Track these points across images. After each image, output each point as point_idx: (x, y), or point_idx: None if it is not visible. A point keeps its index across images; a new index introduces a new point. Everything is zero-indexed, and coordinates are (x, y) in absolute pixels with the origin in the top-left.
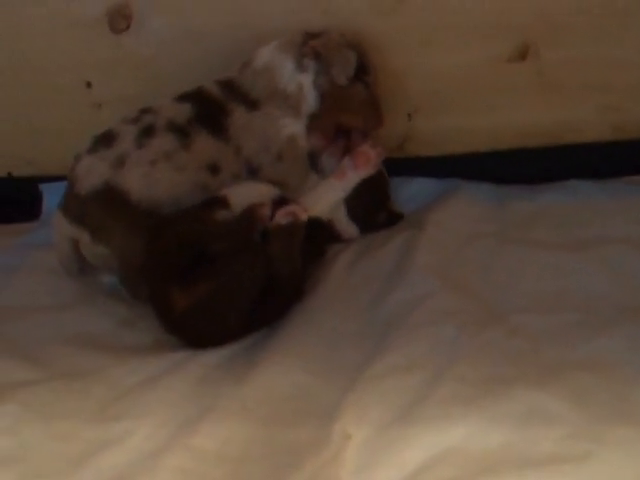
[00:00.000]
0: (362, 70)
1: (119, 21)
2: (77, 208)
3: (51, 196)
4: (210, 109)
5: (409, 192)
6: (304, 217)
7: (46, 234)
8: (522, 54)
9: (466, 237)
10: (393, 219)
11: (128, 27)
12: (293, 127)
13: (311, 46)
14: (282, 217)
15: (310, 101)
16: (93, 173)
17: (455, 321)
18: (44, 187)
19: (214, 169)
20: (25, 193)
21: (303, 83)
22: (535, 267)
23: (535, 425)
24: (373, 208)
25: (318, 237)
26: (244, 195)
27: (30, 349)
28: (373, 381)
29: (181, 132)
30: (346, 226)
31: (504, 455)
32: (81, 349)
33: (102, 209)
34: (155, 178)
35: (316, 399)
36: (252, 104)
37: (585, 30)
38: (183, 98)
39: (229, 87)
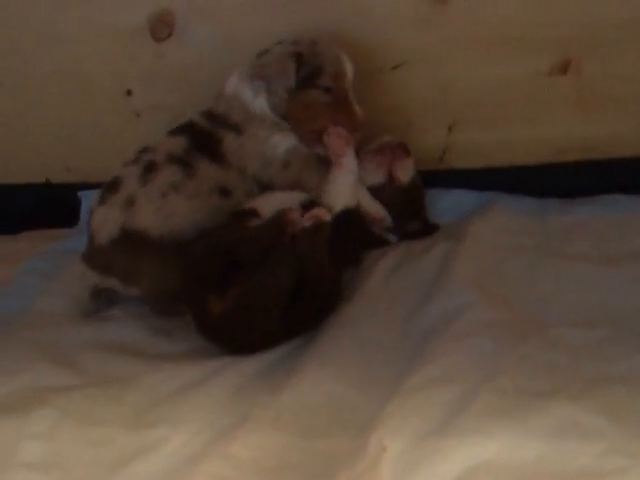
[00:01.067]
0: (315, 75)
1: (161, 29)
2: (102, 259)
3: (88, 203)
4: (203, 139)
5: (447, 203)
6: (327, 218)
7: (83, 241)
8: (563, 68)
9: (504, 249)
10: (428, 229)
11: (170, 35)
12: (286, 142)
13: (254, 67)
14: (306, 220)
15: (277, 118)
16: (108, 222)
17: (493, 334)
18: (83, 194)
19: (225, 192)
20: (62, 199)
21: (262, 106)
22: (574, 281)
23: (571, 439)
24: (406, 216)
25: (354, 229)
26: (273, 203)
27: (67, 355)
28: (410, 393)
29: (182, 163)
30: (374, 207)
31: (540, 469)
32: (117, 356)
33: (126, 254)
34: (169, 210)
35: (352, 410)
36: (237, 129)
37: (627, 46)
38: (175, 132)
39: (211, 117)
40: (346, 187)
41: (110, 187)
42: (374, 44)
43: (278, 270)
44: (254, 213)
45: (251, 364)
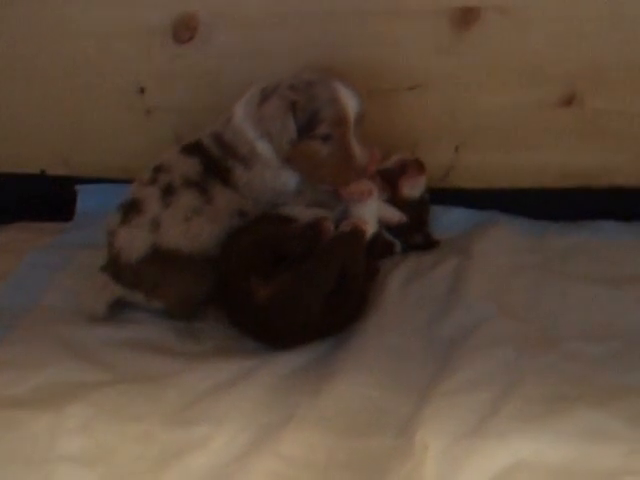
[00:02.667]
0: (313, 122)
1: (183, 32)
2: (130, 275)
3: (85, 197)
4: (215, 165)
5: (449, 220)
6: (364, 227)
7: (83, 235)
8: (568, 100)
9: (511, 267)
10: (429, 244)
11: (191, 38)
12: (295, 176)
13: (256, 117)
14: (345, 226)
15: (274, 167)
16: (136, 241)
17: (514, 344)
18: (80, 188)
19: (243, 214)
20: (57, 192)
21: (266, 150)
22: (579, 299)
23: (598, 442)
24: (411, 230)
25: (373, 250)
26: (306, 213)
27: (91, 351)
28: (444, 397)
29: (199, 187)
30: (389, 211)
31: (571, 468)
32: (147, 354)
33: (157, 270)
34: (195, 232)
35: (390, 413)
36: (245, 162)
37: (629, 84)
38: (189, 152)
39: (221, 144)
40: (370, 218)
41: (131, 208)
42: (394, 65)
43: (323, 265)
44: (290, 218)
45: (283, 365)
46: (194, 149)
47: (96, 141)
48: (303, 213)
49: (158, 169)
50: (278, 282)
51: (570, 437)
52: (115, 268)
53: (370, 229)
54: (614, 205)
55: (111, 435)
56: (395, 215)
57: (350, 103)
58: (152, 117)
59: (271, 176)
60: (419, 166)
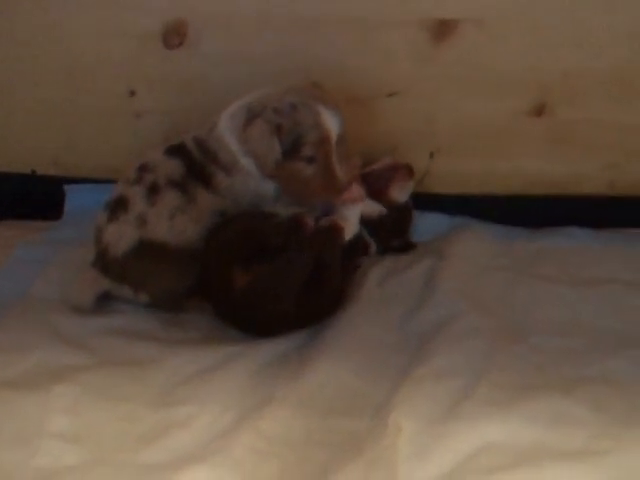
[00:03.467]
0: (297, 145)
1: (173, 37)
2: (118, 269)
3: (73, 197)
4: (197, 168)
5: (424, 224)
6: (343, 224)
7: (71, 232)
8: (539, 110)
9: (482, 269)
10: (407, 247)
11: (181, 44)
12: (275, 186)
13: (242, 138)
14: (324, 222)
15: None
16: (123, 236)
17: (483, 337)
18: (68, 188)
19: (224, 214)
20: (46, 192)
21: (251, 168)
22: (547, 299)
23: (562, 426)
24: (392, 234)
25: (352, 249)
26: (287, 210)
27: (78, 338)
28: (417, 383)
29: (181, 188)
30: (370, 206)
31: (538, 449)
32: (133, 340)
33: (143, 263)
34: (179, 229)
35: (365, 397)
36: (226, 169)
37: (598, 96)
38: (172, 153)
39: (203, 149)
40: (354, 220)
41: (118, 205)
42: (374, 73)
43: (297, 257)
44: (274, 214)
45: (264, 353)
46: (178, 151)
47: (86, 142)
48: (284, 210)
49: (143, 168)
50: (255, 271)
51: (536, 421)
52: (103, 262)
53: (351, 229)
54: (582, 212)
55: (98, 414)
56: (375, 209)
57: (332, 126)
58: (141, 120)
59: (253, 184)
60: (409, 171)
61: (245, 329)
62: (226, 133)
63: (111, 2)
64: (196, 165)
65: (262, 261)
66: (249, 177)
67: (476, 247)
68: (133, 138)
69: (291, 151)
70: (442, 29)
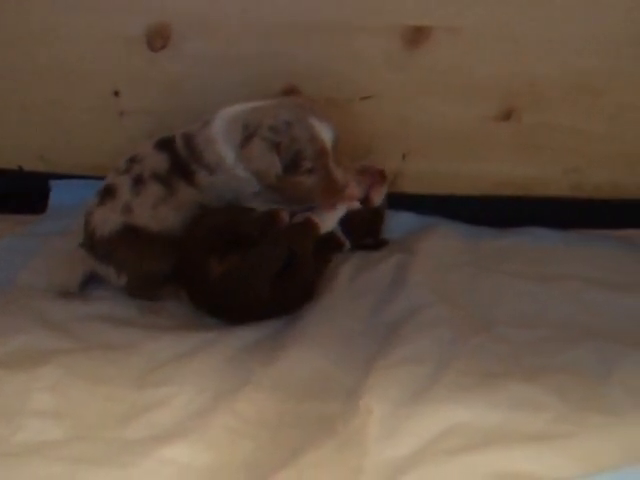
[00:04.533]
0: (296, 160)
1: (157, 40)
2: (103, 248)
3: (58, 192)
4: (181, 165)
5: (395, 222)
6: (316, 220)
7: (56, 225)
8: (506, 115)
9: (449, 264)
10: (379, 244)
11: (164, 46)
12: (255, 184)
13: (244, 156)
14: (299, 218)
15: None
16: (109, 220)
17: (450, 327)
18: (53, 183)
19: (203, 207)
20: (33, 187)
21: (249, 178)
22: (510, 292)
23: (526, 410)
24: (366, 233)
25: (326, 245)
26: (265, 206)
27: (62, 323)
28: (387, 369)
29: (164, 182)
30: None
31: (504, 431)
32: (114, 326)
33: (126, 243)
34: (161, 217)
35: (336, 382)
36: (208, 168)
37: (562, 103)
38: (161, 147)
39: (189, 146)
40: (333, 220)
41: (107, 193)
42: (349, 77)
43: (270, 250)
44: (250, 209)
45: (240, 338)
46: (166, 145)
47: (72, 140)
48: (261, 206)
49: (133, 160)
50: (229, 262)
51: (500, 405)
52: (90, 243)
53: (328, 224)
54: (546, 213)
55: (80, 394)
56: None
57: (326, 136)
58: (125, 119)
59: (234, 184)
60: (384, 175)
61: (218, 316)
62: (219, 138)
63: (98, 6)
64: (180, 161)
65: (236, 251)
66: (233, 178)
67: (444, 244)
68: (117, 136)
69: (291, 166)
70: (416, 36)
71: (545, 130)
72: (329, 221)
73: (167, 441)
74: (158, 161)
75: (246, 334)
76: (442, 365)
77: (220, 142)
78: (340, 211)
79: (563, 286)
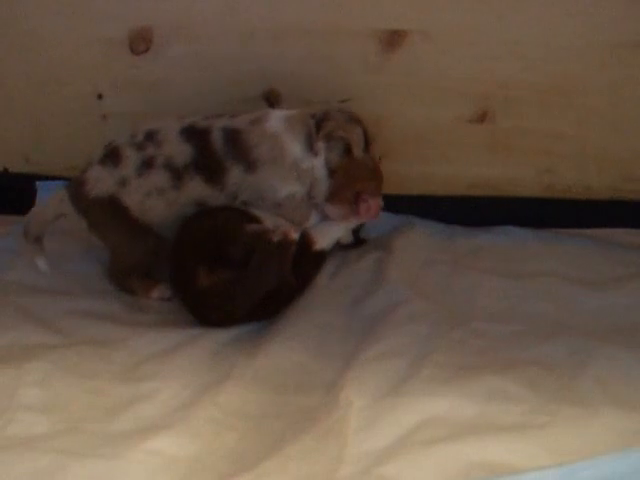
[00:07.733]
0: (367, 142)
1: (139, 44)
2: (83, 203)
3: (44, 194)
4: (209, 161)
5: (372, 222)
6: (294, 236)
7: None
8: (481, 117)
9: (425, 262)
10: (358, 243)
11: (147, 50)
12: (287, 188)
13: (324, 133)
14: (276, 235)
15: (321, 178)
16: (101, 183)
17: (427, 322)
18: (40, 184)
19: (201, 204)
20: (18, 189)
21: (315, 165)
22: (485, 288)
23: (501, 402)
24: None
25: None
26: (271, 218)
27: (48, 319)
28: (365, 363)
29: (176, 174)
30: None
31: (480, 422)
32: (99, 322)
33: (105, 213)
34: (147, 207)
35: (317, 375)
36: (250, 165)
37: (534, 105)
38: (189, 136)
39: (233, 140)
40: (333, 236)
41: (112, 156)
42: (327, 80)
43: (259, 277)
44: (257, 219)
45: (224, 335)
46: (196, 135)
47: (56, 142)
48: (268, 218)
49: (150, 136)
50: (218, 278)
51: (477, 397)
52: (75, 190)
53: (326, 241)
54: (518, 213)
55: (67, 388)
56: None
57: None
58: (108, 122)
59: (270, 183)
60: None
61: (200, 321)
62: (283, 133)
63: (81, 10)
64: (210, 156)
65: (228, 266)
66: (276, 174)
67: (421, 242)
68: (100, 138)
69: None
70: (392, 39)
71: (517, 132)
72: (334, 233)
73: (153, 433)
74: (179, 152)
75: (229, 330)
76: (419, 358)
77: (283, 137)
78: (348, 225)
79: (536, 283)
